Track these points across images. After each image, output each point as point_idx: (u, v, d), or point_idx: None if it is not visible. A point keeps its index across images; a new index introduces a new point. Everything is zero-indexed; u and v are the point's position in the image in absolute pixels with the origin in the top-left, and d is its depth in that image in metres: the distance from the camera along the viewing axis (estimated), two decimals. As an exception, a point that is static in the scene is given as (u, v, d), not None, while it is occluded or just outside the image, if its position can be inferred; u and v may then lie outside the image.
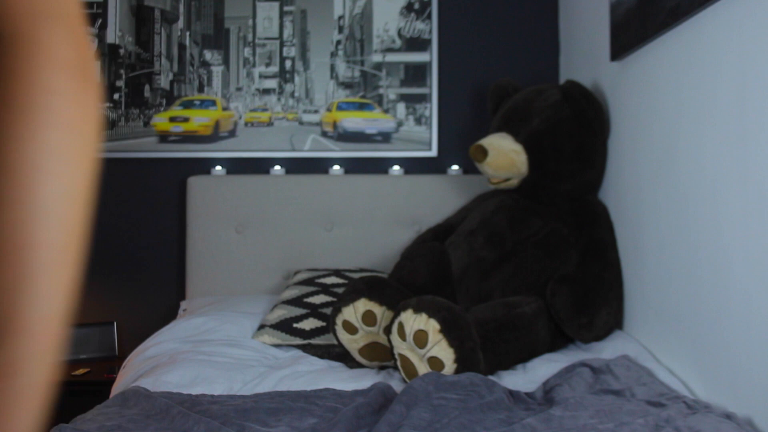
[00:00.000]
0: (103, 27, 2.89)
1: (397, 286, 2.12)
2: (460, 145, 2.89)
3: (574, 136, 2.29)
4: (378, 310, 2.01)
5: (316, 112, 2.95)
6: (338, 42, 2.95)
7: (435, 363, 1.78)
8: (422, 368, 1.80)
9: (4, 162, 0.38)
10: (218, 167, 2.90)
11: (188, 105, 2.93)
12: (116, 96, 2.92)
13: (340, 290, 2.37)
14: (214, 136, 2.93)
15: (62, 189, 0.41)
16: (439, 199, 2.79)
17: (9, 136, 0.37)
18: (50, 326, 0.47)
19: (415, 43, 2.93)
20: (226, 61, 2.95)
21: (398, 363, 1.87)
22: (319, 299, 2.36)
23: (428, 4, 2.92)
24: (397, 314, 1.86)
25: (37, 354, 0.47)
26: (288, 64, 2.96)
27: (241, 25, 2.96)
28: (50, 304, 0.46)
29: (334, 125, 2.93)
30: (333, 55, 2.95)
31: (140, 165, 2.91)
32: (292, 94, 2.96)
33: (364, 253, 2.79)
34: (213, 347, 2.07)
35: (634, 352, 1.90)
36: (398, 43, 2.94)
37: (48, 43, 0.37)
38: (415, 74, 2.94)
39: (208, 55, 2.95)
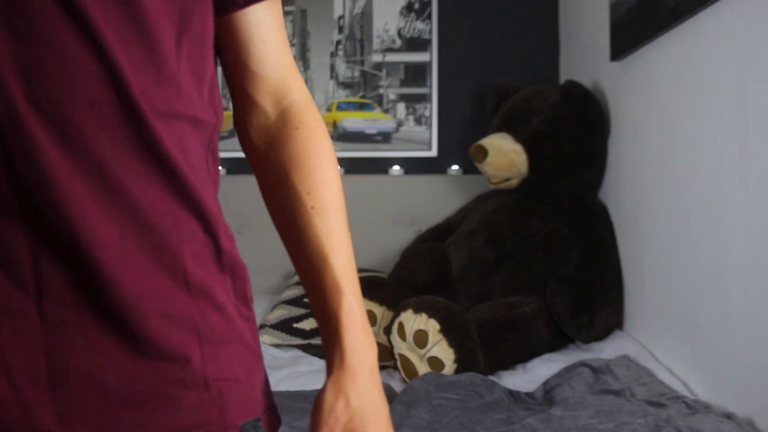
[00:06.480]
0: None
1: (397, 286, 2.12)
2: (460, 145, 2.89)
3: (574, 136, 2.29)
4: (378, 310, 2.01)
5: (316, 112, 2.94)
6: (338, 42, 2.95)
7: (435, 363, 1.78)
8: (422, 368, 1.80)
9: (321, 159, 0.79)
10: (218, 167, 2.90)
11: (188, 105, 2.93)
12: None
13: (340, 290, 2.37)
14: (214, 136, 2.93)
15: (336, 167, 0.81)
16: (439, 199, 2.79)
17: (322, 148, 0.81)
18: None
19: (415, 43, 2.93)
20: (226, 61, 2.95)
21: (398, 363, 1.87)
22: (319, 299, 2.36)
23: (428, 4, 2.92)
24: (397, 314, 1.87)
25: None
26: (288, 64, 2.96)
27: (241, 25, 2.95)
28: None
29: (334, 125, 2.93)
30: (333, 55, 2.95)
31: (140, 165, 2.91)
32: (292, 94, 2.96)
33: (364, 253, 2.79)
34: (213, 347, 2.07)
35: (634, 352, 1.90)
36: (398, 43, 2.94)
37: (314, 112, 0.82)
38: (415, 74, 2.94)
39: (208, 55, 2.94)
